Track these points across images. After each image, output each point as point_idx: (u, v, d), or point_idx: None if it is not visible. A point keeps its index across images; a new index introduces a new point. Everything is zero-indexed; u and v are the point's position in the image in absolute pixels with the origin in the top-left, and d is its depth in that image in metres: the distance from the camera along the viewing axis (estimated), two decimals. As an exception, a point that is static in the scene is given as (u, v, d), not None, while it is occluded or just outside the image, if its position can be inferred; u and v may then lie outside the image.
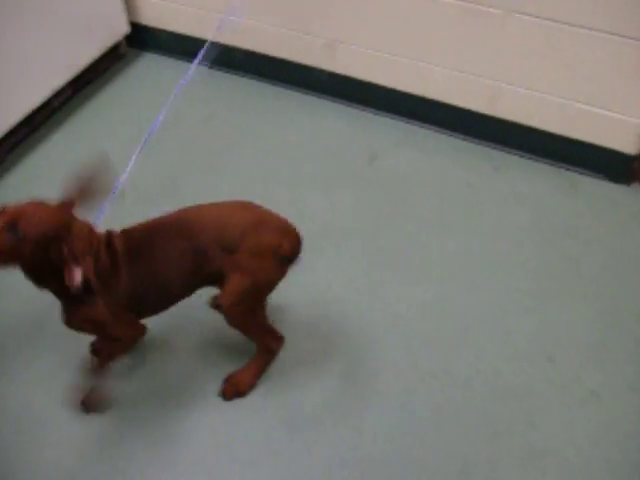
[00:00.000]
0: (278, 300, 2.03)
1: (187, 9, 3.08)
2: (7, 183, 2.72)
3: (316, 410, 1.99)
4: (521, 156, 2.73)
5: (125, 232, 1.75)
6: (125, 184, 1.81)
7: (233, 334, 1.90)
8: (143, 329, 1.87)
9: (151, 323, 1.90)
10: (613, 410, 1.98)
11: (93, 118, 3.00)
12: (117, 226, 1.78)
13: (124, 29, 3.22)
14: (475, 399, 2.00)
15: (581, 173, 2.67)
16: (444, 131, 2.84)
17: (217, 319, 1.88)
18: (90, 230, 1.64)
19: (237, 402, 2.00)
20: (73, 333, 1.78)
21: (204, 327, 2.17)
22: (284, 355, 2.07)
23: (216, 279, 1.80)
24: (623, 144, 2.54)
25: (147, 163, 2.75)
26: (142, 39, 3.33)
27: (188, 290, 1.84)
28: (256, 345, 1.98)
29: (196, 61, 1.92)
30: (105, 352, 1.89)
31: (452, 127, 2.82)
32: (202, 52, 1.96)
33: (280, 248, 1.74)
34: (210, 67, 3.17)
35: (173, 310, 1.88)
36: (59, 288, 1.61)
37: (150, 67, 3.28)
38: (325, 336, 2.17)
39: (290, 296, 2.23)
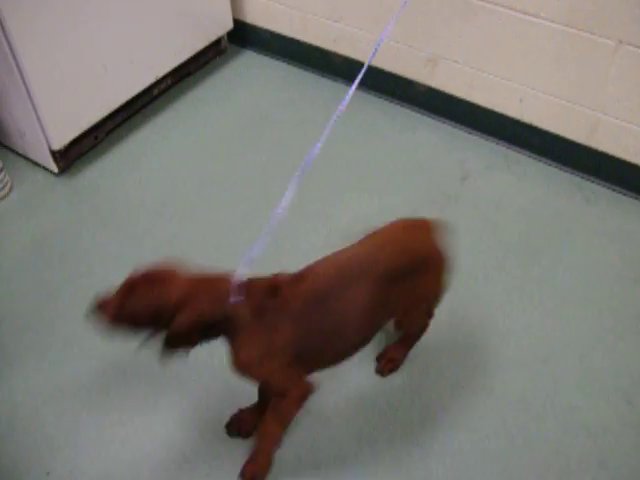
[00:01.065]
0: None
1: (291, 11, 3.11)
2: (103, 163, 2.80)
3: (389, 425, 1.98)
4: (614, 190, 2.66)
5: (297, 280, 1.65)
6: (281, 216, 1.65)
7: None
8: (310, 387, 1.70)
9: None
10: (691, 462, 1.92)
11: (189, 109, 3.06)
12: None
13: (228, 25, 3.27)
14: (548, 432, 1.96)
15: (676, 214, 2.60)
16: (537, 157, 2.80)
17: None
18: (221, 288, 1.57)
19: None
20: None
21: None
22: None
23: (395, 312, 1.80)
24: None
25: (239, 161, 2.80)
26: (244, 36, 3.38)
27: (365, 340, 1.74)
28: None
29: (354, 86, 1.87)
30: (271, 418, 1.74)
31: (546, 154, 2.78)
32: (359, 77, 1.90)
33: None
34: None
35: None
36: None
37: (249, 64, 3.32)
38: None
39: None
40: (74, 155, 2.77)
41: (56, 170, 2.72)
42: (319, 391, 1.78)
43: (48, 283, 2.37)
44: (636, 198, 2.64)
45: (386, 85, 3.06)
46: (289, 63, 3.31)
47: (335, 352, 1.71)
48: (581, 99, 2.55)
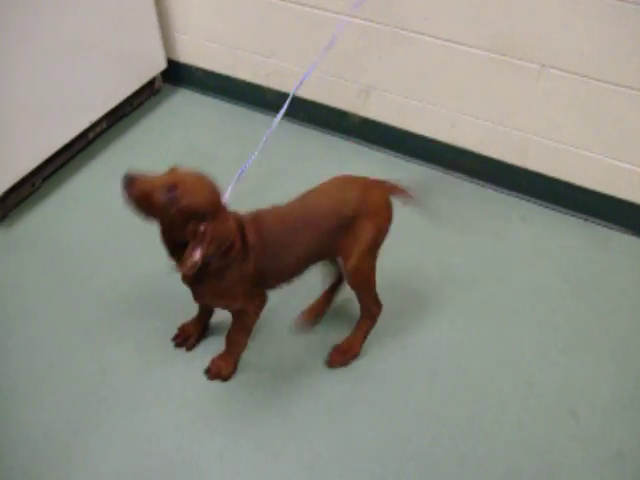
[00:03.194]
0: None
1: (224, 49, 3.14)
2: (41, 210, 2.77)
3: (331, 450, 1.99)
4: (550, 208, 2.74)
5: (255, 221, 1.87)
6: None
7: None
8: (265, 298, 2.00)
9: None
10: (638, 472, 1.95)
11: (126, 151, 3.05)
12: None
13: (161, 65, 3.28)
14: (498, 451, 1.99)
15: (612, 229, 2.67)
16: (472, 179, 2.86)
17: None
18: (233, 220, 1.78)
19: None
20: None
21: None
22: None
23: (333, 252, 1.99)
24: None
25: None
26: (178, 75, 3.40)
27: (306, 269, 2.01)
28: (361, 311, 2.17)
29: (278, 117, 2.25)
30: (236, 329, 2.07)
31: (481, 176, 2.84)
32: (284, 107, 2.29)
33: (388, 201, 1.99)
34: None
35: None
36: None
37: (184, 103, 3.33)
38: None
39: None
40: (11, 203, 2.74)
41: (-7, 220, 2.69)
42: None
43: (-11, 336, 2.33)
44: (571, 215, 2.71)
45: (320, 117, 3.09)
46: (224, 100, 3.33)
47: (282, 277, 1.99)
48: (510, 122, 2.62)
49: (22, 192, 2.78)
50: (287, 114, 3.17)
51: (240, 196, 2.80)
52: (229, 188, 1.89)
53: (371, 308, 2.15)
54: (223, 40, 3.12)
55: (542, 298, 2.41)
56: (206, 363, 2.20)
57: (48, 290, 2.47)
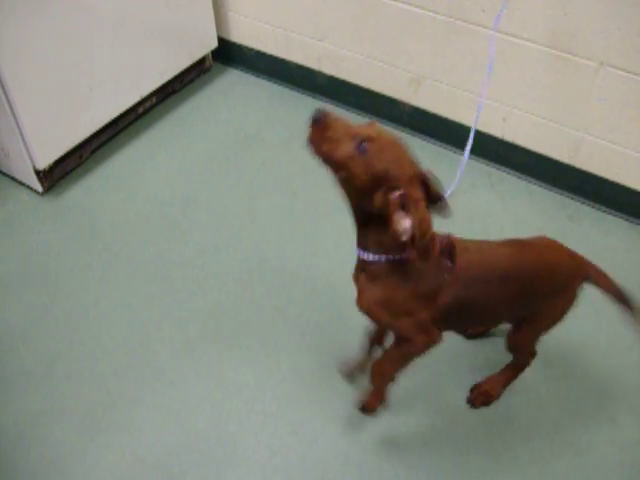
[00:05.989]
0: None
1: (276, 30, 3.13)
2: (87, 182, 2.80)
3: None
4: (597, 208, 2.69)
5: (466, 248, 1.64)
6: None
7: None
8: (440, 339, 1.66)
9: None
10: (676, 479, 1.93)
11: (173, 128, 3.06)
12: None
13: (212, 43, 3.28)
14: (534, 451, 1.97)
15: (660, 232, 2.63)
16: (521, 175, 2.83)
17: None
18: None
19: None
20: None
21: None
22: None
23: (522, 319, 1.84)
24: None
25: (224, 180, 2.81)
26: (228, 55, 3.40)
27: (494, 323, 1.90)
28: (515, 359, 2.03)
29: (466, 154, 2.08)
30: (389, 356, 1.76)
31: (529, 172, 2.81)
32: (469, 143, 2.09)
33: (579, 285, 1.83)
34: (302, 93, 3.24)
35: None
36: (373, 239, 1.57)
37: (233, 83, 3.33)
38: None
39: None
40: (59, 174, 2.77)
41: (40, 189, 2.71)
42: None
43: (32, 304, 2.35)
44: (619, 216, 2.67)
45: (370, 104, 3.07)
46: (274, 82, 3.33)
47: (466, 324, 1.87)
48: (563, 119, 2.58)
49: (70, 164, 2.81)
50: (336, 98, 3.18)
51: (287, 178, 2.80)
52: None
53: (526, 358, 2.02)
54: (275, 21, 3.11)
55: (584, 299, 2.37)
56: (246, 344, 2.21)
57: (89, 263, 2.49)
